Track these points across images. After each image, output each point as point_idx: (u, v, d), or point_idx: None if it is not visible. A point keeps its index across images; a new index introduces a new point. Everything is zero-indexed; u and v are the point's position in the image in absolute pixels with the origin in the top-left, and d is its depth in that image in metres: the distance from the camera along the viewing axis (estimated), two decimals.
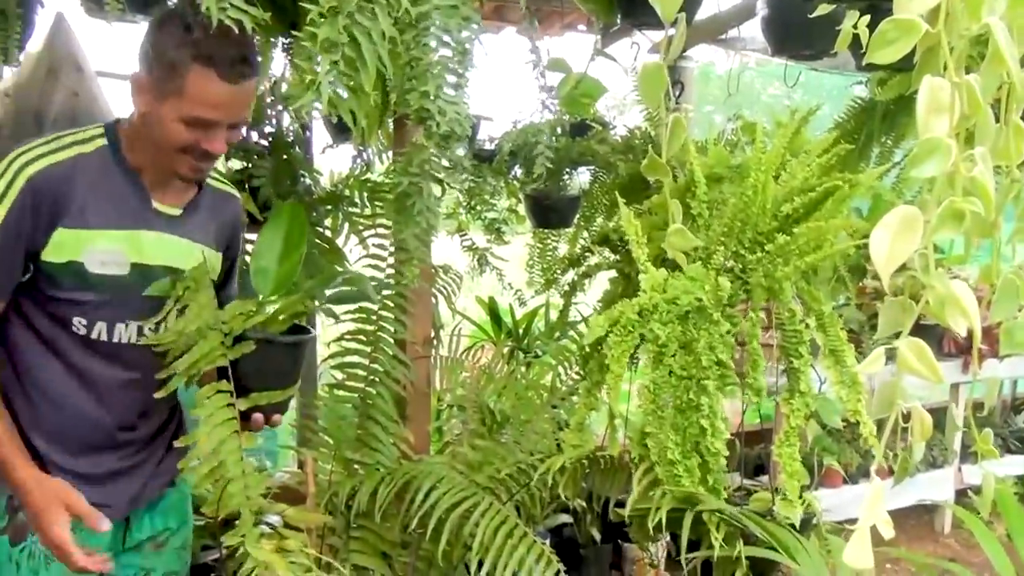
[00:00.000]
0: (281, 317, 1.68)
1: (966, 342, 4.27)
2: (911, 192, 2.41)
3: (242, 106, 1.61)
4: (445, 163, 1.71)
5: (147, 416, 1.76)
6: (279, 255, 1.76)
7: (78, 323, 1.65)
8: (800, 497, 1.68)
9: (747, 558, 1.57)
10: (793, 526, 1.63)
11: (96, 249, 1.62)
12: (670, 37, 1.53)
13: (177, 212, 1.72)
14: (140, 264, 1.66)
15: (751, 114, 2.71)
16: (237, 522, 1.59)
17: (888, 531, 0.96)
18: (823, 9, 1.62)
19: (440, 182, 1.86)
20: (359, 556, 1.93)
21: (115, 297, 1.65)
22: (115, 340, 1.67)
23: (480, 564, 1.63)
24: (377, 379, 2.00)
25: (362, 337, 2.01)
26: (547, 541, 3.54)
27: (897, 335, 1.01)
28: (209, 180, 1.80)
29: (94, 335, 1.67)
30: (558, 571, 1.63)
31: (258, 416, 1.65)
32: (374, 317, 2.02)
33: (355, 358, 2.01)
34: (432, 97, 1.45)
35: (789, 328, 1.59)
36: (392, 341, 2.01)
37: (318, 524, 1.90)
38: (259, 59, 1.64)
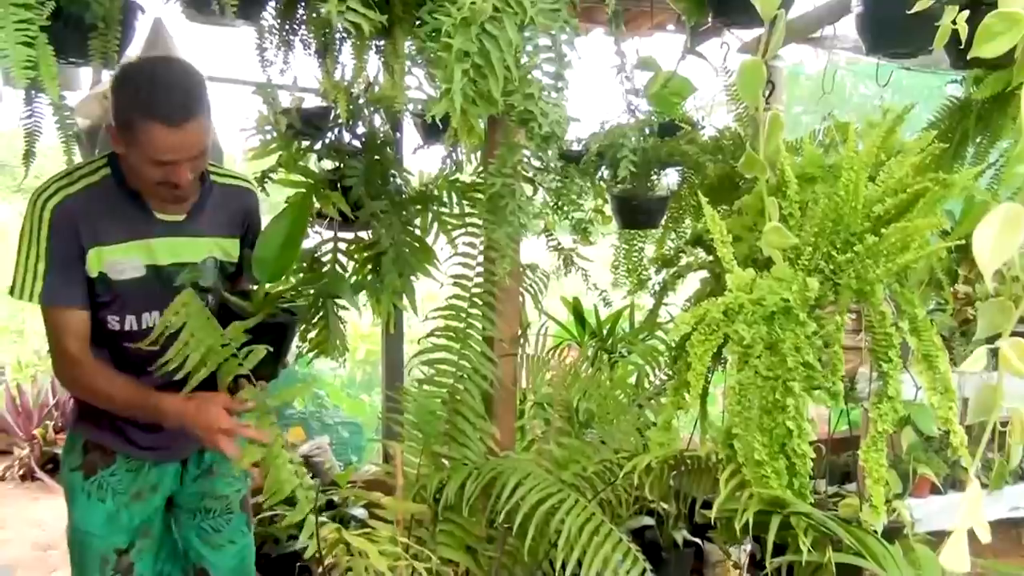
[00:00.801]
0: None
1: None
2: (1007, 193, 2.34)
3: (193, 143, 1.83)
4: (537, 164, 1.74)
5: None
6: (279, 246, 2.01)
7: (112, 320, 1.99)
8: (887, 504, 1.65)
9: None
10: (878, 533, 1.61)
11: (115, 261, 1.94)
12: (768, 34, 1.52)
13: (180, 217, 2.02)
14: (153, 265, 1.98)
15: (842, 115, 2.66)
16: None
17: (985, 535, 0.95)
18: (921, 5, 1.59)
19: (532, 182, 1.88)
20: (445, 549, 1.97)
21: (138, 293, 1.98)
22: (143, 327, 1.99)
23: (565, 561, 1.65)
24: (465, 375, 2.04)
25: (451, 333, 2.05)
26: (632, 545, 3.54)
27: (997, 337, 0.99)
28: (216, 178, 2.11)
29: (127, 327, 2.00)
30: (644, 570, 1.65)
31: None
32: (463, 314, 2.06)
33: (444, 354, 2.06)
34: (536, 99, 1.48)
35: (879, 331, 1.56)
36: (480, 338, 2.04)
37: (406, 516, 1.94)
38: (203, 98, 1.84)
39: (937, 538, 2.39)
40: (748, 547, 3.44)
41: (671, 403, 1.59)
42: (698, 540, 3.64)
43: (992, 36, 0.92)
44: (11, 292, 1.92)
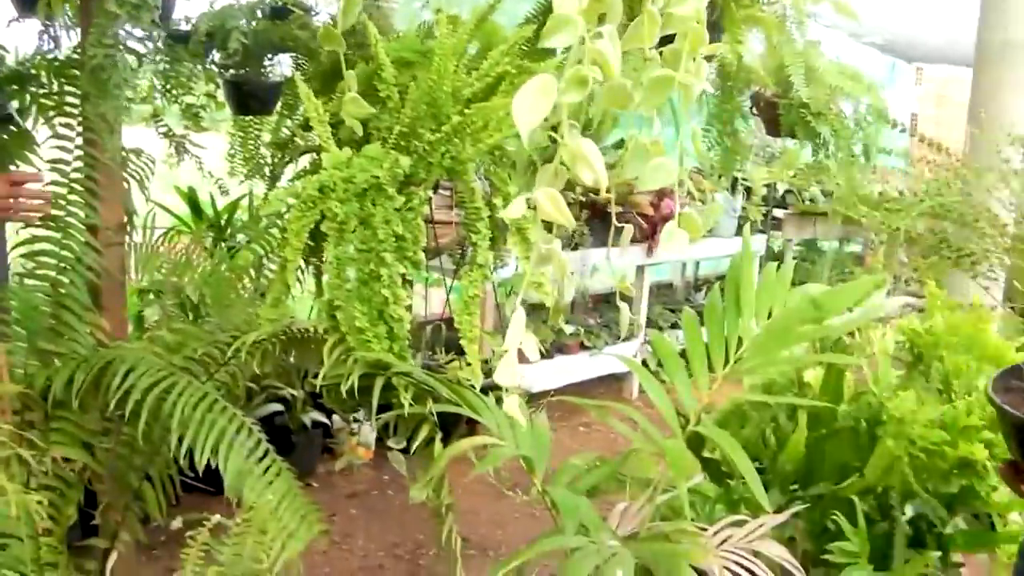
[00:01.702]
0: None
1: (650, 229, 4.71)
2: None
3: None
4: (139, 34, 1.67)
5: None
6: None
7: None
8: (486, 364, 1.85)
9: (435, 416, 1.72)
10: (477, 389, 1.80)
11: None
12: None
13: None
14: None
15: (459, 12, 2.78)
16: None
17: (534, 354, 1.12)
18: None
19: (136, 53, 1.81)
20: (59, 448, 1.90)
21: None
22: None
23: (181, 438, 1.67)
24: (68, 266, 1.95)
25: (50, 223, 1.95)
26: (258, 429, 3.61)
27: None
28: None
29: None
30: (259, 440, 1.71)
31: None
32: (63, 201, 1.95)
33: (45, 245, 1.95)
34: None
35: (470, 206, 1.72)
36: (83, 227, 1.95)
37: (15, 420, 1.85)
38: None
39: (541, 397, 2.70)
40: (372, 425, 3.64)
41: (278, 280, 1.66)
42: (326, 420, 3.79)
43: None
44: None
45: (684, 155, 1.34)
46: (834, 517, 1.79)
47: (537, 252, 1.19)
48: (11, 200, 1.75)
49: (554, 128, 1.11)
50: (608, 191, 1.16)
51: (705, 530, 1.62)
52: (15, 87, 2.19)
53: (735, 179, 5.17)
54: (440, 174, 1.63)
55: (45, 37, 2.37)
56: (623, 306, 1.78)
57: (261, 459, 1.68)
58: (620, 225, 1.56)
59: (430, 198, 1.62)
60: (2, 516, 1.62)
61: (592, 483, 1.82)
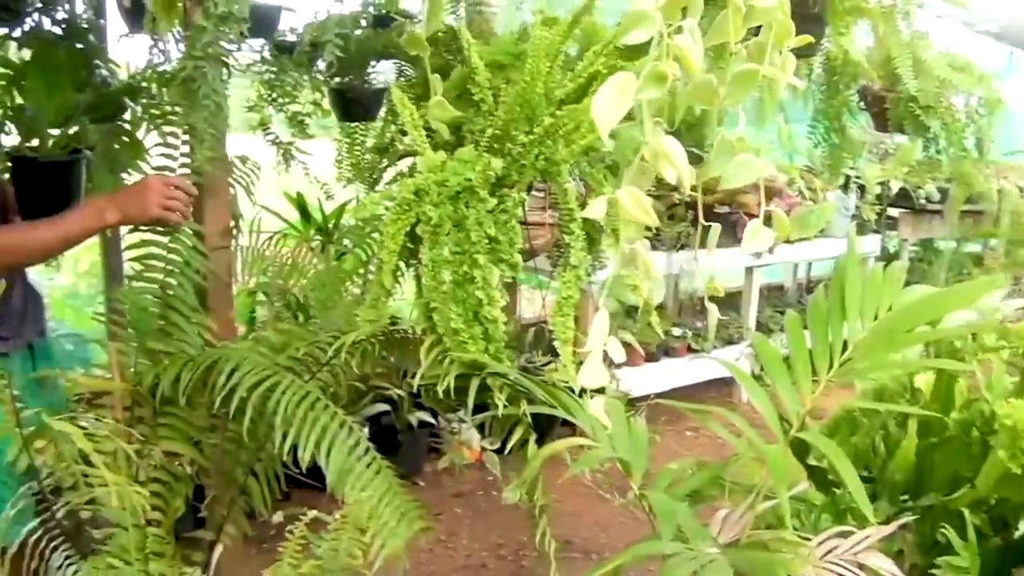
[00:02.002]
0: None
1: None
2: None
3: None
4: (229, 45, 1.72)
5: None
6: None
7: None
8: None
9: (532, 417, 1.72)
10: (575, 391, 1.79)
11: None
12: None
13: None
14: None
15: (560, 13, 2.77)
16: None
17: (620, 355, 1.11)
18: None
19: (226, 65, 1.86)
20: (167, 442, 1.97)
21: None
22: None
23: (285, 437, 1.71)
24: (176, 269, 2.02)
25: (159, 228, 2.02)
26: (365, 429, 3.68)
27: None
28: None
29: None
30: (360, 438, 1.74)
31: None
32: None
33: (154, 249, 2.02)
34: None
35: (564, 207, 1.71)
36: (189, 232, 2.02)
37: (125, 417, 1.93)
38: None
39: (643, 400, 2.67)
40: (476, 428, 3.67)
41: (377, 281, 1.68)
42: (432, 420, 3.83)
43: None
44: None
45: (793, 152, 1.30)
46: (943, 530, 1.72)
47: (622, 252, 1.17)
48: (168, 201, 1.87)
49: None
50: (695, 189, 1.14)
51: (808, 540, 1.57)
52: (126, 98, 2.29)
53: (847, 177, 5.01)
54: (534, 176, 1.62)
55: (155, 51, 2.48)
56: (711, 308, 1.73)
57: (362, 457, 1.71)
58: (708, 224, 1.52)
59: (523, 200, 1.61)
60: (107, 506, 1.70)
61: (692, 488, 1.78)
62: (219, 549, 2.03)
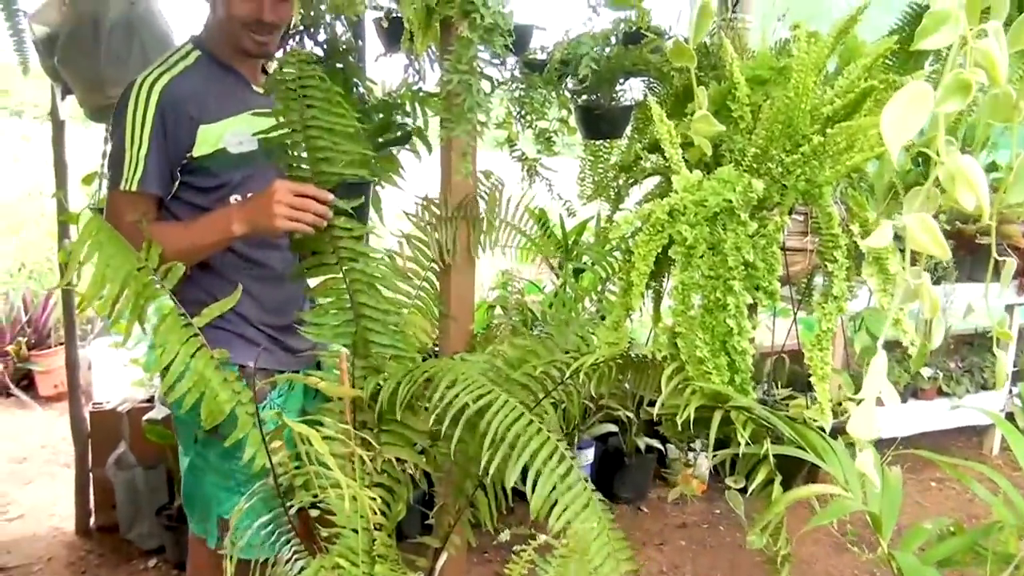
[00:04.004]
0: None
1: (1022, 264, 4.20)
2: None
3: None
4: (491, 59, 1.73)
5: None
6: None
7: (235, 200, 2.03)
8: (838, 405, 1.69)
9: (774, 456, 1.60)
10: (824, 430, 1.65)
11: (231, 134, 2.01)
12: None
13: (262, 91, 2.12)
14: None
15: (818, 27, 2.64)
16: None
17: (894, 399, 0.99)
18: None
19: (489, 79, 1.88)
20: (391, 448, 1.99)
21: (255, 172, 2.03)
22: None
23: (491, 459, 1.67)
24: (418, 280, 2.06)
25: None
26: (592, 449, 3.64)
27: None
28: None
29: None
30: (570, 467, 1.67)
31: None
32: (414, 219, 2.08)
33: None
34: None
35: (826, 232, 1.59)
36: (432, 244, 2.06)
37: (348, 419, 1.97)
38: None
39: (889, 444, 2.47)
40: (707, 455, 3.53)
41: (619, 303, 1.62)
42: (660, 446, 3.73)
43: None
44: (112, 186, 1.96)
45: None
46: None
47: (904, 286, 1.05)
48: (296, 211, 1.85)
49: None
50: (989, 218, 1.00)
51: None
52: (381, 115, 2.37)
53: None
54: (796, 198, 1.52)
55: (410, 70, 2.55)
56: (1000, 353, 1.55)
57: (572, 487, 1.65)
58: (1002, 259, 1.36)
59: (785, 223, 1.51)
60: (339, 509, 1.73)
61: (945, 554, 1.61)
62: (444, 557, 2.04)
